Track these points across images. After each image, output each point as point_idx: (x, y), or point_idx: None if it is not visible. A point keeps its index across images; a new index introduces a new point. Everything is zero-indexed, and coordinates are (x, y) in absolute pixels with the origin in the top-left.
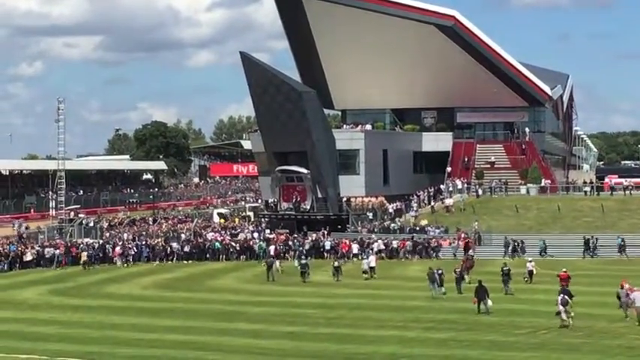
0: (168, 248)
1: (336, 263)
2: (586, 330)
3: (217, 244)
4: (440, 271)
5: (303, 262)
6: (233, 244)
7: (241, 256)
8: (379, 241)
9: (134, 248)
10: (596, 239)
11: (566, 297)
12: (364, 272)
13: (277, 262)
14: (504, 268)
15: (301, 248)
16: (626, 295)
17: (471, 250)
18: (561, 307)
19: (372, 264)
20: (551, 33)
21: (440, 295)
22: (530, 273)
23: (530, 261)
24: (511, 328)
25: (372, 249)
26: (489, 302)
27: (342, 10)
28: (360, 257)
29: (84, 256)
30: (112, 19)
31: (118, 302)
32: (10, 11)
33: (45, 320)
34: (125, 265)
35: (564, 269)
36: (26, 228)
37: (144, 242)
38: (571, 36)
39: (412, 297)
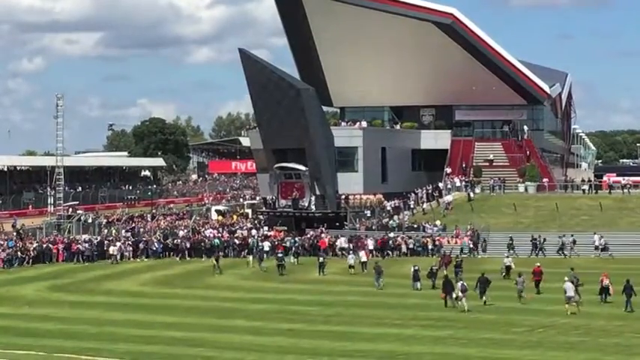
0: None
1: (320, 259)
2: (583, 328)
3: (216, 240)
4: (416, 267)
5: (280, 255)
6: (236, 241)
7: (242, 253)
8: (369, 240)
9: (155, 244)
10: (544, 239)
11: (465, 284)
12: (350, 267)
13: (250, 258)
14: (457, 261)
15: (295, 245)
16: (522, 283)
17: (444, 248)
18: (460, 294)
19: (363, 259)
20: (550, 31)
21: (379, 289)
22: (508, 268)
23: (508, 257)
24: (508, 326)
25: (365, 245)
26: (454, 296)
27: (341, 8)
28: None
29: (114, 250)
30: (113, 16)
31: (117, 298)
32: (13, 7)
33: (43, 316)
34: (144, 259)
35: (538, 264)
36: (22, 225)
37: (144, 238)
38: (570, 34)
39: (409, 294)
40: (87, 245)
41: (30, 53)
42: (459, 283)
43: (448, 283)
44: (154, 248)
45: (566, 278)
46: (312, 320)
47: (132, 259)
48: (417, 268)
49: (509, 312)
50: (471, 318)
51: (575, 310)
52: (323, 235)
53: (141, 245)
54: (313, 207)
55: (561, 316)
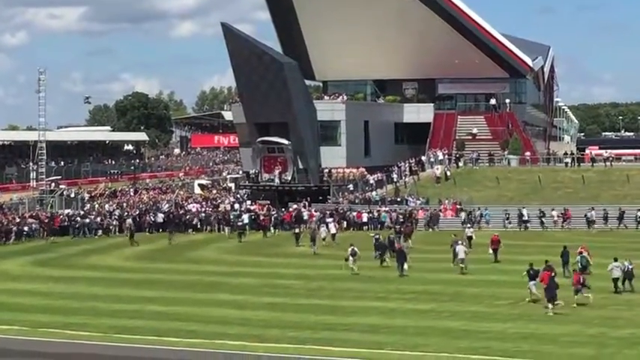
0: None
1: (296, 230)
2: (566, 301)
3: (203, 214)
4: (378, 236)
5: (240, 224)
6: (218, 215)
7: (225, 228)
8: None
9: (160, 217)
10: (478, 211)
11: (355, 249)
12: (323, 239)
13: (227, 230)
14: (396, 227)
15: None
16: (407, 247)
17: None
18: (350, 258)
19: (333, 231)
20: (532, 5)
21: (317, 252)
22: (469, 238)
23: (470, 227)
24: (492, 300)
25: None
26: (406, 266)
27: None
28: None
29: (129, 224)
30: None
31: (100, 273)
32: None
33: (27, 291)
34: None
35: (496, 233)
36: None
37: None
38: (552, 8)
39: (393, 268)
40: (87, 220)
41: (13, 28)
42: (350, 248)
43: (401, 254)
44: (161, 221)
45: (459, 241)
46: (294, 294)
47: (117, 233)
48: (378, 236)
49: (492, 285)
50: (454, 291)
51: (465, 271)
52: (303, 209)
53: (148, 219)
54: (277, 180)
55: None
